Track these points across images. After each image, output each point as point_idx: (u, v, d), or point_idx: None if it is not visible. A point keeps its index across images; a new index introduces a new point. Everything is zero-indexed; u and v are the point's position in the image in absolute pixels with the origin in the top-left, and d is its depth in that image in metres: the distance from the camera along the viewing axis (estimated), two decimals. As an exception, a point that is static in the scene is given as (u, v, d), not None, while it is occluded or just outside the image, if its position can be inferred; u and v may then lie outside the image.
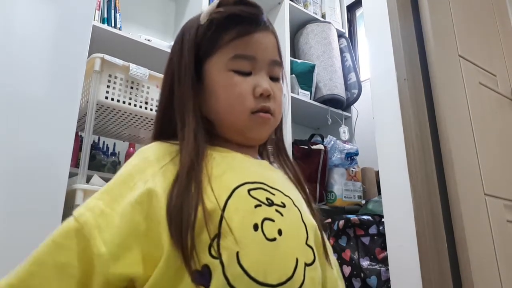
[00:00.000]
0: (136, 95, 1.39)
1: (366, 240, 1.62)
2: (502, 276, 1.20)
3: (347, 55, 2.38)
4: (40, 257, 0.45)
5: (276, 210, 0.50)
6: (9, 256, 0.89)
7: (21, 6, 1.06)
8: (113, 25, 1.71)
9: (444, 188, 1.24)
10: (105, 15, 1.71)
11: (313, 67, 2.18)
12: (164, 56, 1.67)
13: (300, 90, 2.12)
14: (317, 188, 1.93)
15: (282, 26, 2.13)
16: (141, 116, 1.42)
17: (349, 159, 1.98)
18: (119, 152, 1.74)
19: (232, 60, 0.56)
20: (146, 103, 1.41)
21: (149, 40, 1.71)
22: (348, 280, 1.56)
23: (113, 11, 1.74)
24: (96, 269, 0.44)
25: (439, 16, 1.45)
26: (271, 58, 0.58)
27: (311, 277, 0.49)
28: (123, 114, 1.40)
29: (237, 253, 0.44)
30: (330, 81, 2.21)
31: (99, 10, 1.67)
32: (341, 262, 1.61)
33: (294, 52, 2.39)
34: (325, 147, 1.99)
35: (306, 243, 0.51)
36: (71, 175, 1.12)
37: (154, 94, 1.43)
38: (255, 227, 0.46)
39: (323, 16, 2.47)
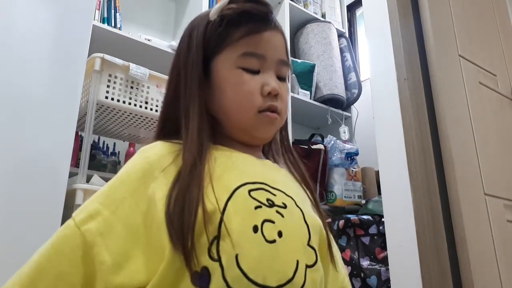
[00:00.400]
0: (136, 95, 1.39)
1: (366, 240, 1.62)
2: (502, 276, 1.20)
3: (347, 55, 2.38)
4: (41, 264, 0.45)
5: (277, 211, 0.49)
6: (9, 255, 0.89)
7: (21, 5, 1.06)
8: (113, 25, 1.71)
9: (444, 188, 1.24)
10: (105, 15, 1.72)
11: (313, 67, 2.18)
12: (164, 56, 1.69)
13: (300, 90, 2.12)
14: (317, 188, 1.93)
15: (282, 26, 2.11)
16: (141, 116, 1.42)
17: (349, 159, 1.98)
18: (119, 152, 1.74)
19: (241, 58, 0.56)
20: (146, 102, 1.41)
21: (149, 40, 1.71)
22: (348, 280, 1.56)
23: (113, 10, 1.74)
24: (99, 277, 0.43)
25: (439, 16, 1.45)
26: (279, 57, 0.58)
27: (312, 278, 0.48)
28: (123, 114, 1.40)
29: (236, 255, 0.44)
30: (330, 81, 2.21)
31: (99, 9, 1.67)
32: (341, 262, 1.60)
33: (294, 52, 2.39)
34: (325, 147, 1.99)
35: (308, 244, 0.51)
36: (71, 174, 1.12)
37: (154, 93, 1.43)
38: (255, 229, 0.46)
39: (323, 15, 2.47)
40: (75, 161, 1.42)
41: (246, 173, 0.53)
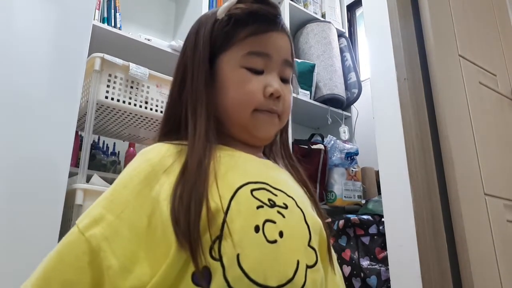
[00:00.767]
0: (136, 95, 1.39)
1: (366, 240, 1.62)
2: (502, 276, 1.20)
3: (347, 55, 2.38)
4: (46, 274, 0.45)
5: (278, 212, 0.49)
6: (9, 255, 0.89)
7: (21, 5, 1.06)
8: (113, 24, 1.71)
9: (444, 188, 1.24)
10: (105, 15, 1.71)
11: (313, 66, 2.18)
12: (164, 55, 1.69)
13: (300, 90, 2.12)
14: (317, 188, 1.93)
15: (282, 26, 2.12)
16: (141, 116, 1.42)
17: (349, 158, 1.98)
18: (119, 151, 1.74)
19: (246, 57, 0.56)
20: (146, 102, 1.41)
21: (149, 40, 1.71)
22: (348, 280, 1.56)
23: (113, 10, 1.74)
24: (107, 282, 0.43)
25: (439, 16, 1.44)
26: (284, 57, 0.59)
27: (312, 279, 0.48)
28: (123, 114, 1.40)
29: (238, 255, 0.44)
30: (330, 81, 2.21)
31: (99, 9, 1.67)
32: (341, 262, 1.61)
33: (294, 52, 2.38)
34: (325, 146, 1.99)
35: (309, 245, 0.51)
36: (71, 174, 1.12)
37: (154, 93, 1.43)
38: (256, 229, 0.46)
39: (323, 15, 2.47)
40: (75, 161, 1.42)
41: (248, 172, 0.53)
